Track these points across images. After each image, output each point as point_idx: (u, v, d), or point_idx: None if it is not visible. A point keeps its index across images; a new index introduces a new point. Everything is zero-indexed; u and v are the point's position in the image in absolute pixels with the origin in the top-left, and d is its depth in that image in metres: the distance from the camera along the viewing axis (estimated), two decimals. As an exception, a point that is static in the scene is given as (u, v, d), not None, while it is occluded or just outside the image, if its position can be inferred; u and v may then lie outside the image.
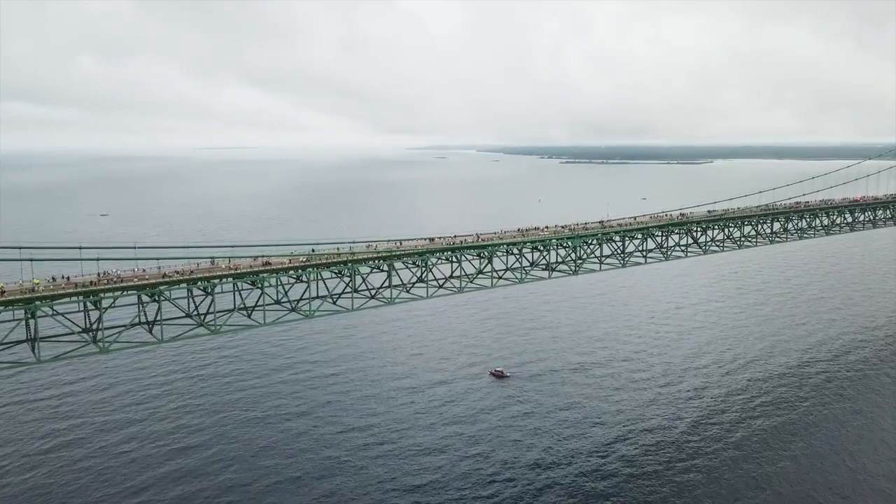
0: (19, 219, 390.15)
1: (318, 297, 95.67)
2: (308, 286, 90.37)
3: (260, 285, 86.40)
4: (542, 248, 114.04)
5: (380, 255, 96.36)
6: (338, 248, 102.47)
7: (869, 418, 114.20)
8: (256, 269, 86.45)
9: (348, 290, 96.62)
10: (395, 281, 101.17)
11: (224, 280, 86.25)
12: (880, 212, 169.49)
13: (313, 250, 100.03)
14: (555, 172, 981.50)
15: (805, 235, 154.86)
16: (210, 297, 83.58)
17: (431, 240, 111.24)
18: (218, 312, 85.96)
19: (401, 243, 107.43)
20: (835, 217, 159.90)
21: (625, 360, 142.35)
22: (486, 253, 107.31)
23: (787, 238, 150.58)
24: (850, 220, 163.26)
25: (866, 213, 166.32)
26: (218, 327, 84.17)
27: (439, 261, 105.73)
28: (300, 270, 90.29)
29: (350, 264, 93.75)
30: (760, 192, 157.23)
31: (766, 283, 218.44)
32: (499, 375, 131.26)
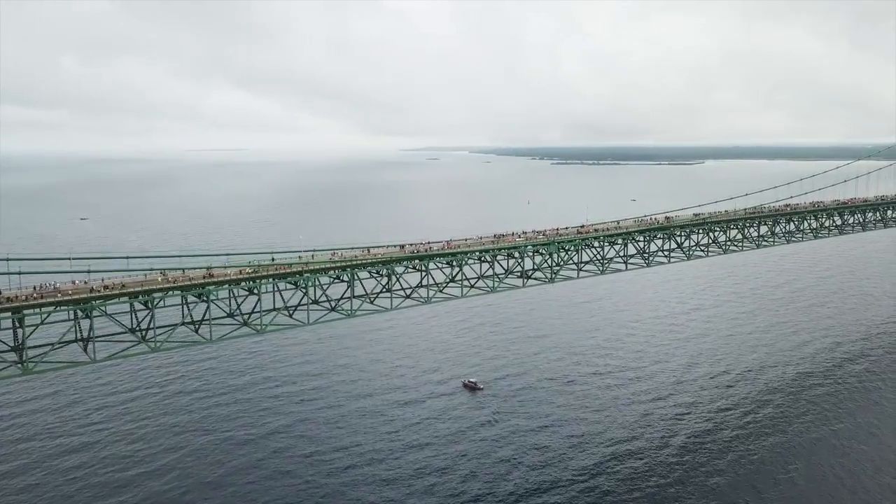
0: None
1: (274, 309, 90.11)
2: (259, 299, 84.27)
3: (206, 298, 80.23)
4: (516, 256, 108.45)
5: (337, 264, 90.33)
6: (299, 257, 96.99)
7: (869, 433, 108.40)
8: (200, 281, 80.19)
9: (307, 301, 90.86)
10: (359, 291, 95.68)
11: (170, 293, 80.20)
12: (870, 214, 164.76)
13: (273, 259, 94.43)
14: (545, 174, 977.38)
15: (793, 239, 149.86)
16: (151, 312, 77.40)
17: (401, 247, 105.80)
18: (162, 328, 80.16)
19: (368, 251, 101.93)
20: (823, 220, 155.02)
21: (609, 372, 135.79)
22: (455, 261, 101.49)
23: (774, 242, 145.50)
24: (839, 222, 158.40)
25: (856, 216, 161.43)
26: (159, 344, 78.04)
27: (407, 270, 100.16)
28: (252, 282, 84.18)
29: (307, 275, 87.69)
30: (746, 194, 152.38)
31: (757, 290, 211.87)
32: (472, 387, 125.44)
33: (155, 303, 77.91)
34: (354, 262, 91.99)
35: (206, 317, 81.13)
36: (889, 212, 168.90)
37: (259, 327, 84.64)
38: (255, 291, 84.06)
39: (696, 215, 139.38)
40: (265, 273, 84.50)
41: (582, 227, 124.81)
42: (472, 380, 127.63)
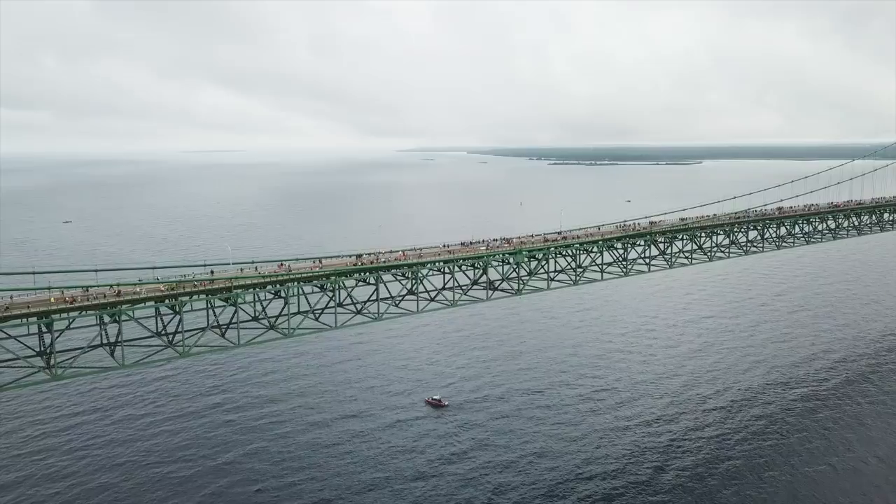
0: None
1: (209, 327, 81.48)
2: (181, 318, 75.71)
3: (118, 318, 71.61)
4: (479, 266, 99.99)
5: (269, 278, 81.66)
6: (241, 269, 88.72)
7: (881, 461, 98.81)
8: (110, 300, 71.49)
9: (242, 319, 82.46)
10: (304, 306, 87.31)
11: (83, 313, 71.57)
12: (865, 217, 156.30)
13: (212, 272, 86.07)
14: (541, 174, 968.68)
15: (784, 244, 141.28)
16: (52, 336, 68.93)
17: (358, 256, 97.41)
18: (69, 351, 71.70)
19: (320, 261, 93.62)
20: (816, 223, 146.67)
21: (593, 392, 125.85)
22: (410, 273, 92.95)
23: (763, 248, 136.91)
24: (833, 226, 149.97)
25: (850, 219, 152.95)
26: (62, 371, 69.46)
27: (358, 283, 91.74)
28: (174, 299, 75.57)
29: (236, 291, 79.05)
30: (735, 197, 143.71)
31: (753, 300, 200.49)
32: (436, 405, 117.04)
33: (67, 325, 69.49)
34: (293, 276, 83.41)
35: (120, 339, 72.48)
36: (885, 214, 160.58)
37: (182, 350, 76.00)
38: (178, 309, 75.40)
39: (682, 219, 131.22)
40: (186, 290, 75.68)
41: (559, 233, 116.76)
42: (435, 397, 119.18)
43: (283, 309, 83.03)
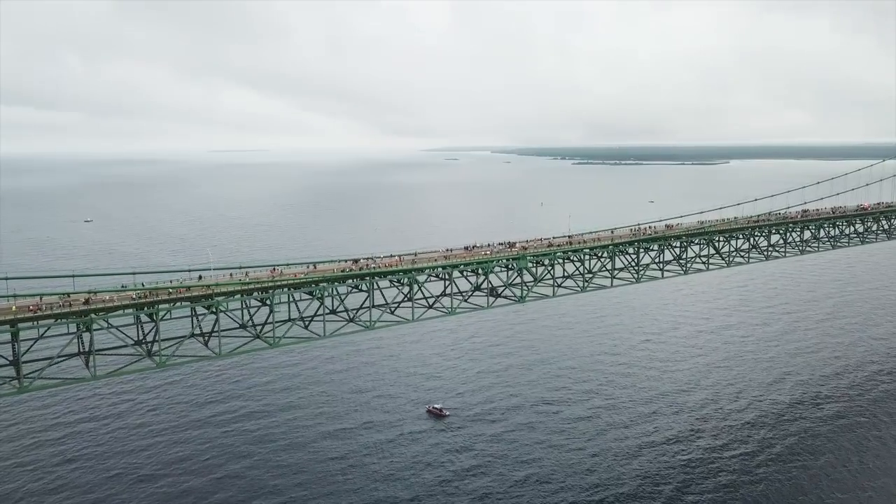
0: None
1: (192, 335, 77.81)
2: (157, 326, 71.89)
3: (88, 327, 68.01)
4: (480, 272, 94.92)
5: (250, 285, 77.50)
6: (230, 274, 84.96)
7: None
8: (73, 309, 67.84)
9: (230, 327, 78.71)
10: (293, 314, 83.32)
11: (58, 321, 68.22)
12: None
13: (200, 277, 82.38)
14: (565, 174, 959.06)
15: (808, 249, 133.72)
16: (19, 345, 65.56)
17: (356, 261, 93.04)
18: (41, 361, 68.38)
19: (315, 266, 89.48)
20: (844, 227, 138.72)
21: (604, 401, 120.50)
22: (406, 279, 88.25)
23: (785, 253, 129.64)
24: (861, 230, 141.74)
25: (880, 223, 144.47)
26: (29, 383, 66.06)
27: (351, 290, 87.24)
28: (151, 307, 71.81)
29: (217, 298, 75.03)
30: (756, 199, 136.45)
31: (781, 306, 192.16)
32: (437, 414, 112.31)
33: (38, 334, 66.20)
34: (278, 283, 79.22)
35: (92, 348, 68.92)
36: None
37: (159, 360, 72.22)
38: (154, 318, 71.63)
39: (701, 223, 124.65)
40: (161, 298, 71.84)
41: (568, 237, 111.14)
42: (436, 406, 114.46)
43: (268, 317, 78.92)
